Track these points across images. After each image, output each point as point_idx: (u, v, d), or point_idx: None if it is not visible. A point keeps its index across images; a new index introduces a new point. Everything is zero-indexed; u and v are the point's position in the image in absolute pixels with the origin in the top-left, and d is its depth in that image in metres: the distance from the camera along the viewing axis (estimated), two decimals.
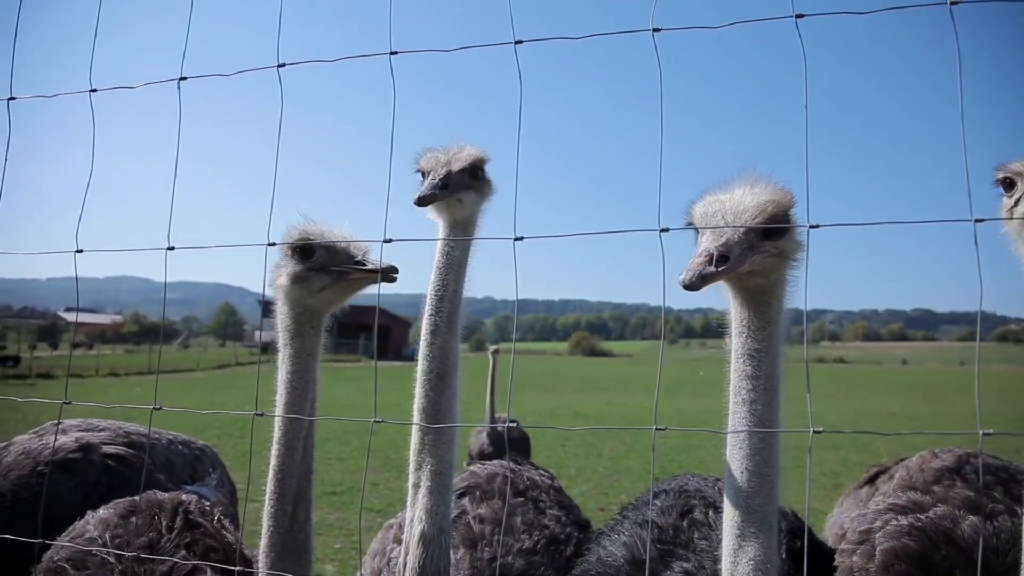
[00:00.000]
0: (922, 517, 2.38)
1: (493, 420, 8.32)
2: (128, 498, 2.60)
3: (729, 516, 1.70)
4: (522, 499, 2.92)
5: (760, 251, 1.67)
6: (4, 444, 3.40)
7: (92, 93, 1.92)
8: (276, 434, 2.14)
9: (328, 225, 2.17)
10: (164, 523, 2.44)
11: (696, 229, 1.75)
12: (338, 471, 11.16)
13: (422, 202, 2.10)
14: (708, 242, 1.65)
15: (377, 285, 2.16)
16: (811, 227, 1.46)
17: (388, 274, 2.12)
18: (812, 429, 1.52)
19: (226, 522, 2.68)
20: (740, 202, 1.71)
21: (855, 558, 2.37)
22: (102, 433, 3.54)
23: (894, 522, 2.40)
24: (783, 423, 1.72)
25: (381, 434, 12.77)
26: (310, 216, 2.20)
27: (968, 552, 2.26)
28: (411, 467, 2.09)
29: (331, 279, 2.12)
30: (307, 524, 2.15)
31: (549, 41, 1.57)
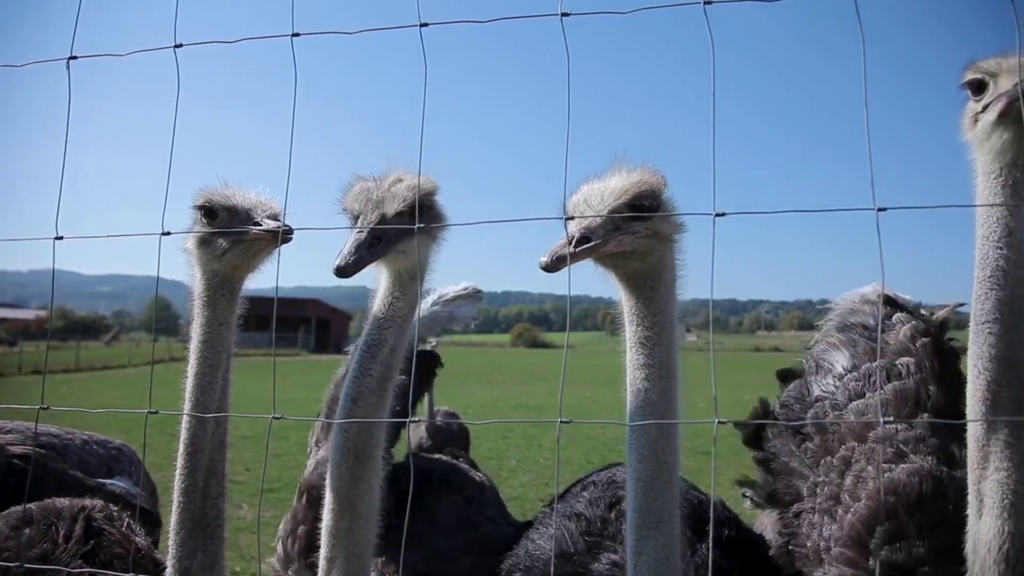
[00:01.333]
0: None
1: (432, 414, 8.26)
2: (21, 506, 2.47)
3: (631, 508, 1.69)
4: (458, 498, 2.89)
5: (628, 231, 1.66)
6: None
7: (71, 61, 1.71)
8: (186, 405, 2.04)
9: (238, 189, 2.00)
10: (62, 532, 2.33)
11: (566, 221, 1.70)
12: (275, 467, 10.94)
13: (342, 273, 1.72)
14: (572, 227, 1.65)
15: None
16: (717, 215, 1.46)
17: (285, 235, 1.87)
18: (717, 420, 1.52)
19: (136, 527, 2.57)
20: (606, 186, 1.70)
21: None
22: (8, 435, 3.39)
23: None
24: (681, 412, 1.72)
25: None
26: (228, 182, 2.01)
27: None
28: (323, 547, 1.86)
29: (230, 241, 1.94)
30: (220, 500, 2.06)
31: (457, 24, 1.52)
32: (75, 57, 1.70)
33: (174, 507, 2.02)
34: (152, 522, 3.55)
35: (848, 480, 2.27)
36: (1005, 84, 1.60)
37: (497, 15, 1.50)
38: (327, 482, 1.87)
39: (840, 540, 2.16)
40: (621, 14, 1.46)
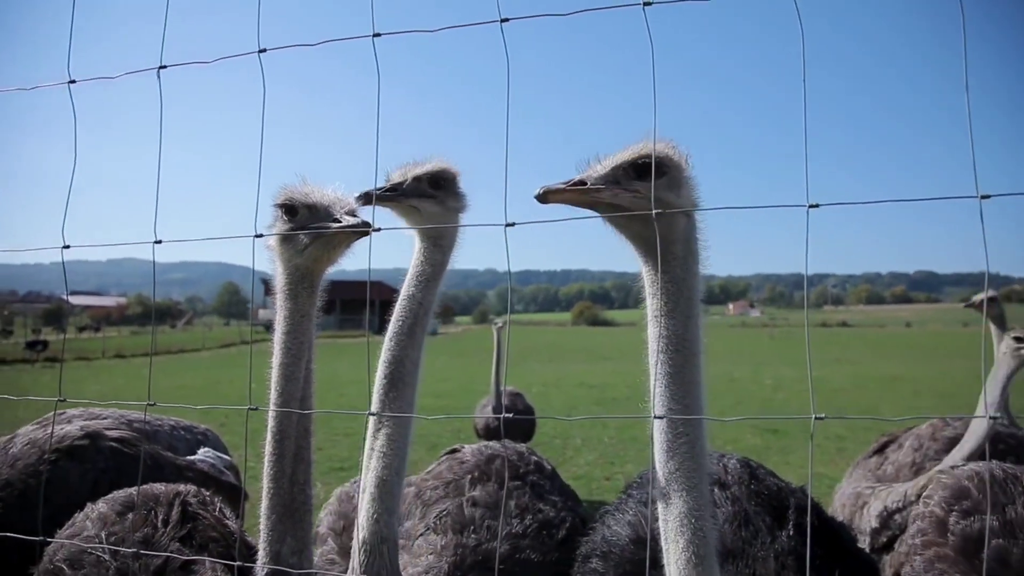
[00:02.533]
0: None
1: (499, 394, 8.33)
2: (125, 491, 2.60)
3: (658, 477, 1.70)
4: (519, 483, 2.92)
5: (627, 188, 1.71)
6: (9, 436, 3.42)
7: (71, 84, 1.87)
8: (272, 395, 2.12)
9: (317, 186, 2.12)
10: (160, 517, 2.44)
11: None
12: (345, 447, 11.24)
13: (365, 200, 2.11)
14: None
15: (368, 252, 2.10)
16: (811, 207, 1.42)
17: (363, 228, 2.03)
18: (814, 416, 1.49)
19: (227, 511, 2.68)
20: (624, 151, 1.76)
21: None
22: (105, 420, 3.56)
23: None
24: (703, 383, 1.73)
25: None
26: (306, 179, 2.15)
27: None
28: (361, 470, 2.13)
29: (311, 236, 2.06)
30: (307, 486, 2.13)
31: (537, 19, 1.52)
32: (164, 67, 1.77)
33: (263, 493, 2.10)
34: (236, 497, 3.70)
35: None
36: None
37: (577, 7, 1.48)
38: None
39: None
40: (707, 0, 1.43)
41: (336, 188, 2.08)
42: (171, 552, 2.29)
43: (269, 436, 2.11)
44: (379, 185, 2.21)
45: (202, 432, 4.15)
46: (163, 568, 2.25)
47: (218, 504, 2.67)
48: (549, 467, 3.24)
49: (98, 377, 22.17)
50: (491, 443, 3.38)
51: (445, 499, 2.83)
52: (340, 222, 1.96)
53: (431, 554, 2.56)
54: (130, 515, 2.45)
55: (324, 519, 2.94)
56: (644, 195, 1.69)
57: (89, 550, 2.31)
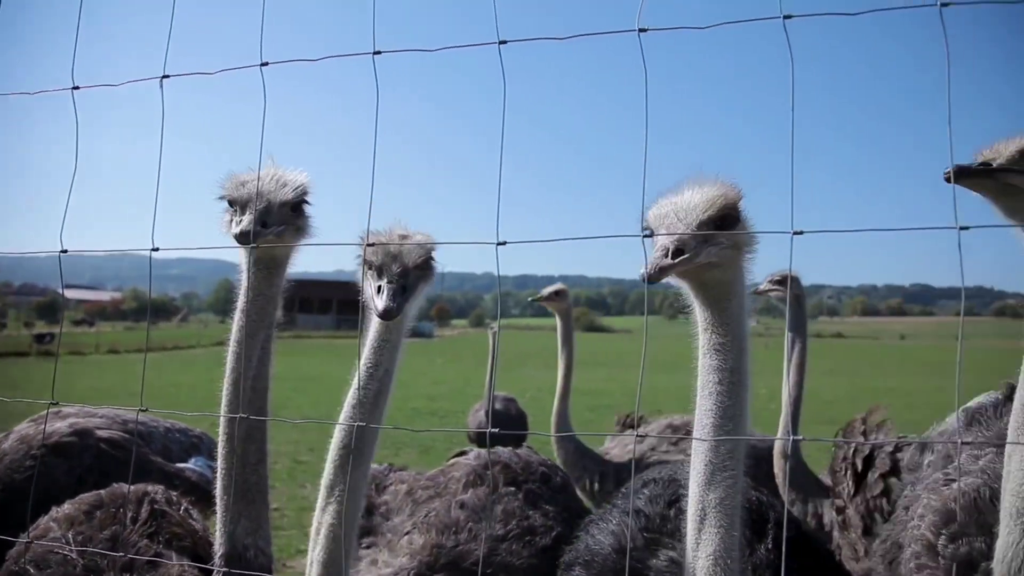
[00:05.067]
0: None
1: (491, 399, 8.35)
2: (92, 492, 2.63)
3: (691, 509, 1.75)
4: (513, 489, 2.94)
5: (715, 244, 1.73)
6: (5, 434, 3.45)
7: (75, 91, 1.91)
8: (226, 374, 2.16)
9: (263, 171, 2.12)
10: (128, 515, 2.47)
11: (652, 234, 1.79)
12: None
13: (390, 316, 2.00)
14: (663, 238, 1.72)
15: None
16: (795, 233, 1.46)
17: (237, 239, 2.06)
18: (791, 437, 1.53)
19: (193, 511, 2.71)
20: (690, 200, 1.77)
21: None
22: (98, 419, 3.59)
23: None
24: (749, 416, 1.78)
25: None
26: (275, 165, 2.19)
27: None
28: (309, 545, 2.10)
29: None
30: (260, 466, 2.15)
31: (535, 41, 1.56)
32: (167, 76, 1.81)
33: (217, 474, 2.12)
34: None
35: None
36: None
37: (573, 31, 1.52)
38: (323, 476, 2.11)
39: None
40: (699, 29, 1.46)
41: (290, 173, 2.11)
42: (138, 549, 2.31)
43: (221, 418, 2.13)
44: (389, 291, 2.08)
45: (197, 436, 4.17)
46: (131, 565, 2.27)
47: (184, 504, 2.69)
48: (560, 480, 3.25)
49: (91, 373, 22.14)
50: (500, 449, 3.40)
51: (435, 499, 2.86)
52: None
53: (406, 555, 2.60)
54: (98, 514, 2.48)
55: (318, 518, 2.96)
56: (727, 245, 1.75)
57: (55, 549, 2.32)
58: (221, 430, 2.12)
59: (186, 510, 2.67)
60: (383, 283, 2.02)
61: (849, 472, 3.83)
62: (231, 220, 2.13)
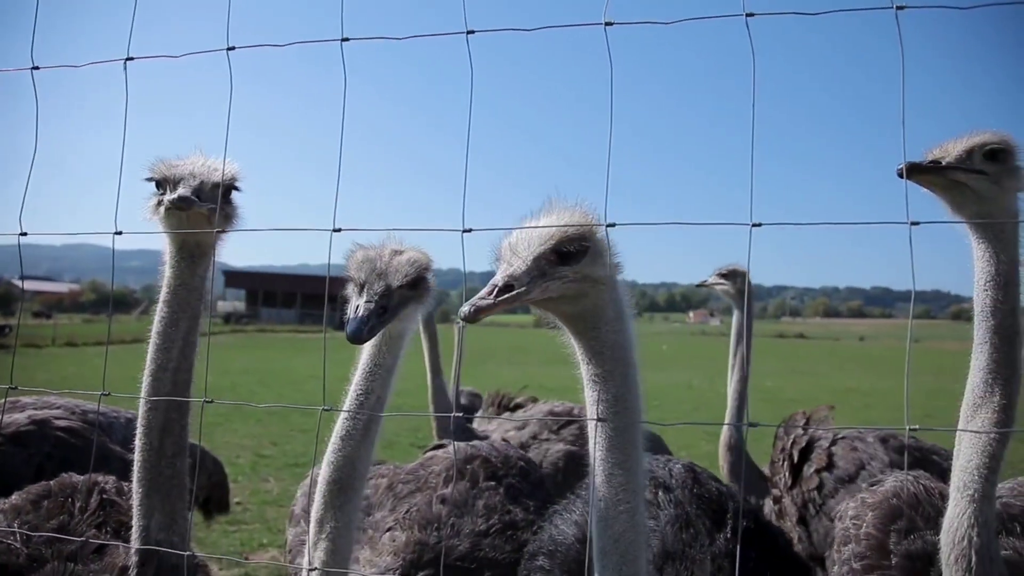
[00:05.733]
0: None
1: (457, 394, 8.33)
2: (41, 483, 2.59)
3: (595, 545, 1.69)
4: (494, 483, 2.94)
5: (555, 277, 1.62)
6: None
7: (35, 71, 1.87)
8: (146, 363, 2.13)
9: (192, 159, 2.11)
10: (77, 505, 2.43)
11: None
12: (300, 442, 11.18)
13: (359, 340, 1.88)
14: (499, 272, 1.63)
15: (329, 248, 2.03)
16: (753, 225, 1.49)
17: (174, 204, 2.02)
18: (747, 423, 1.55)
19: None
20: (531, 231, 1.67)
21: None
22: (56, 410, 3.52)
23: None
24: (640, 444, 1.70)
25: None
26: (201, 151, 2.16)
27: None
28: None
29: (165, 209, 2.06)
30: (176, 459, 2.11)
31: (504, 32, 1.57)
32: (131, 59, 1.78)
33: (134, 466, 2.09)
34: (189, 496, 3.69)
35: None
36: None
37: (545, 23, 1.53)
38: (311, 513, 2.02)
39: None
40: (663, 24, 1.49)
41: (210, 158, 2.09)
42: (87, 538, 2.28)
43: (140, 404, 2.12)
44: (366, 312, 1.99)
45: None
46: (76, 553, 2.24)
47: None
48: (537, 475, 3.26)
49: (47, 366, 21.61)
50: (477, 443, 3.39)
51: (416, 493, 2.85)
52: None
53: (390, 554, 2.58)
54: (45, 503, 2.45)
55: (299, 500, 2.95)
56: (573, 278, 1.64)
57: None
58: (139, 421, 2.09)
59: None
60: (361, 302, 1.92)
61: (786, 464, 3.94)
62: (158, 201, 2.09)
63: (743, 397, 4.58)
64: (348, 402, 2.04)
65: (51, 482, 2.58)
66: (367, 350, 2.08)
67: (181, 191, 1.97)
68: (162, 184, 2.08)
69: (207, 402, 1.98)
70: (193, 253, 2.16)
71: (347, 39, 1.63)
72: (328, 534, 1.95)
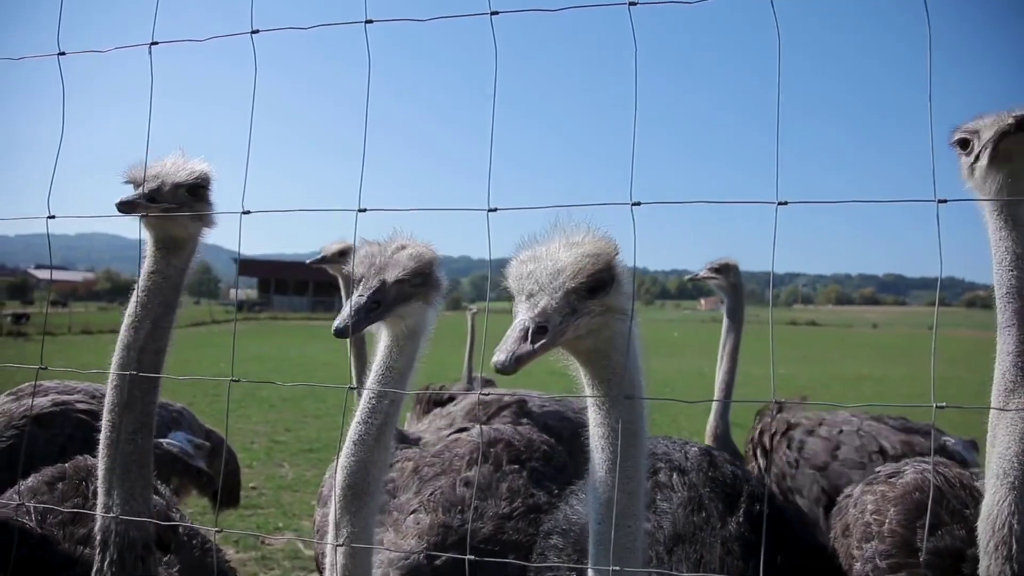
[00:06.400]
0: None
1: (471, 381, 8.36)
2: (57, 465, 2.62)
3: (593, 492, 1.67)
4: (517, 467, 2.95)
5: (584, 313, 1.53)
6: None
7: (61, 56, 1.89)
8: (118, 341, 2.18)
9: (167, 160, 2.19)
10: (91, 488, 2.42)
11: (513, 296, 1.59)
12: (314, 428, 11.29)
13: (341, 334, 1.86)
14: (524, 311, 1.51)
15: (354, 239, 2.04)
16: (779, 204, 1.48)
17: (117, 206, 2.10)
18: (774, 399, 1.55)
19: (159, 486, 2.69)
20: (556, 260, 1.55)
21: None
22: (77, 395, 3.59)
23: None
24: (644, 469, 1.65)
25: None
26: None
27: None
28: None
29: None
30: (137, 436, 2.13)
31: (526, 13, 1.56)
32: (156, 43, 1.80)
33: (99, 445, 2.13)
34: (204, 481, 3.74)
35: None
36: (986, 135, 1.84)
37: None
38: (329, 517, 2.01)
39: None
40: (688, 4, 1.49)
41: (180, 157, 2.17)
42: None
43: (109, 383, 2.15)
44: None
45: (177, 410, 4.17)
46: (87, 536, 2.25)
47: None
48: (560, 459, 3.25)
49: (64, 353, 21.84)
50: (499, 426, 3.40)
51: (441, 476, 2.86)
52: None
53: (415, 536, 2.60)
54: (59, 486, 2.47)
55: (327, 482, 2.97)
56: (599, 311, 1.55)
57: (15, 518, 2.30)
58: (105, 399, 2.14)
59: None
60: (355, 296, 1.89)
61: (759, 451, 3.99)
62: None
63: (729, 390, 4.60)
64: (361, 405, 2.01)
65: (67, 464, 2.61)
66: (380, 353, 2.05)
67: (125, 196, 2.07)
68: (137, 185, 2.16)
69: (234, 381, 1.99)
70: (168, 246, 2.22)
71: (371, 21, 1.63)
72: (347, 537, 1.92)
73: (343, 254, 4.24)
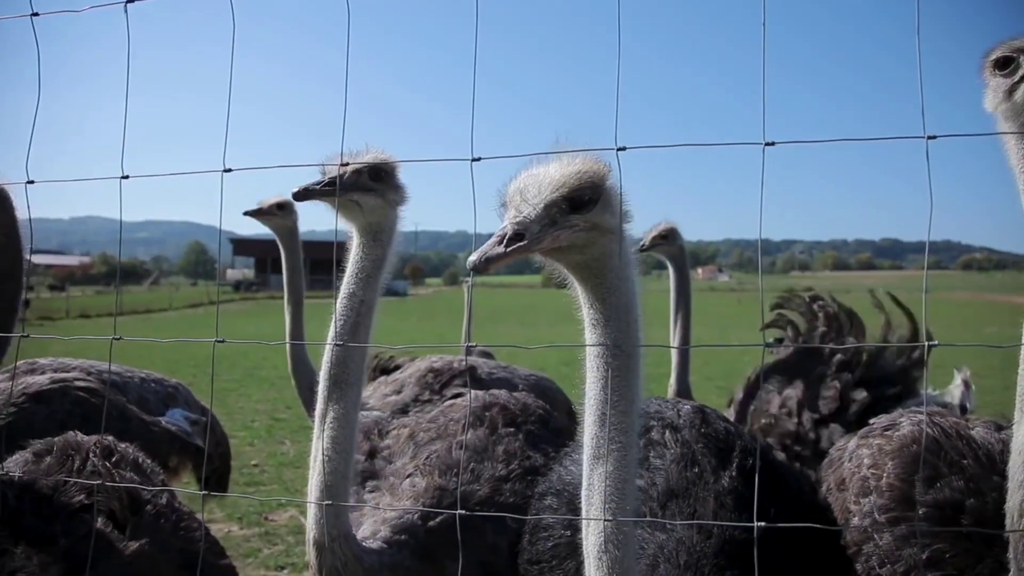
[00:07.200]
0: None
1: (469, 350, 8.34)
2: (46, 439, 2.62)
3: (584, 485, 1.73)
4: (513, 430, 2.96)
5: (565, 226, 1.59)
6: None
7: (34, 17, 1.85)
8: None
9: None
10: (76, 463, 2.47)
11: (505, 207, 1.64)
12: None
13: (297, 196, 2.22)
14: (507, 219, 1.58)
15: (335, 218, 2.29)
16: (767, 144, 1.46)
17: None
18: (764, 344, 1.55)
19: (144, 459, 2.70)
20: (547, 175, 1.61)
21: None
22: (74, 372, 3.60)
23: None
24: (639, 390, 1.71)
25: None
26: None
27: None
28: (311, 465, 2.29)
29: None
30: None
31: None
32: (131, 0, 1.76)
33: None
34: (201, 459, 3.76)
35: None
36: None
37: None
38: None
39: None
40: None
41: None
42: (79, 499, 2.29)
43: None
44: (317, 180, 2.28)
45: (173, 386, 4.18)
46: (64, 508, 2.27)
47: (132, 453, 2.68)
48: (556, 423, 3.27)
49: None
50: (495, 391, 3.40)
51: (437, 440, 2.87)
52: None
53: (409, 498, 2.62)
54: (47, 459, 2.48)
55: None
56: (583, 227, 1.61)
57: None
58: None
59: (133, 459, 2.65)
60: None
61: (733, 407, 4.11)
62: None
63: (684, 357, 4.65)
64: (338, 307, 2.28)
65: (56, 439, 2.61)
66: (351, 255, 2.34)
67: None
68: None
69: (219, 342, 2.00)
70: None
71: None
72: (330, 424, 2.25)
73: (281, 207, 4.38)
